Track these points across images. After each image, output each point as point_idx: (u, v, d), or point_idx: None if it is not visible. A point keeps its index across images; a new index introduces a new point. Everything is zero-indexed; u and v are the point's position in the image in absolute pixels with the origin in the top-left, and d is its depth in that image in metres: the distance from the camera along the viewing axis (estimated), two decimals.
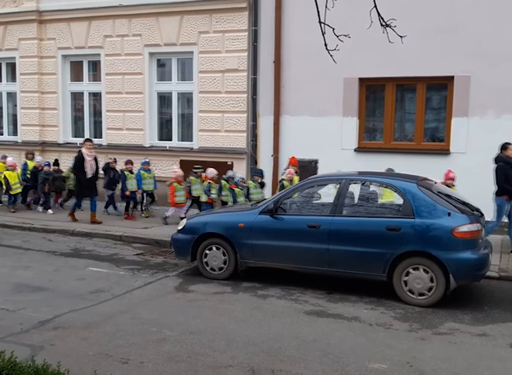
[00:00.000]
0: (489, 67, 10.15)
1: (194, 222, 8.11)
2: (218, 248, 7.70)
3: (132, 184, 11.67)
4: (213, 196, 10.81)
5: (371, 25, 4.39)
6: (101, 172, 11.75)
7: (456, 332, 5.78)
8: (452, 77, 10.52)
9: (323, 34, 4.02)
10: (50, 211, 12.34)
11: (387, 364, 4.91)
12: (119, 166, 12.21)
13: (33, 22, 14.09)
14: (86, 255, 9.09)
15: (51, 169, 12.47)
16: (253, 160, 12.24)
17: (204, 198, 10.82)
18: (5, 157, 12.97)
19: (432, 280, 6.54)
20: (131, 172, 11.76)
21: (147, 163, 11.95)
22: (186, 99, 13.29)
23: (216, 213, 8.44)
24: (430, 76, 10.70)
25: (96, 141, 13.95)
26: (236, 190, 10.62)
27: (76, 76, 14.33)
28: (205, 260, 7.77)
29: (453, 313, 6.35)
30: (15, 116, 15.12)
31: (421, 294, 6.60)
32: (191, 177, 11.14)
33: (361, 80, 11.21)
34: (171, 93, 13.23)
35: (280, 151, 11.96)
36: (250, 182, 10.86)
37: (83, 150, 11.08)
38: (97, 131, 14.17)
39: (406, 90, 11.39)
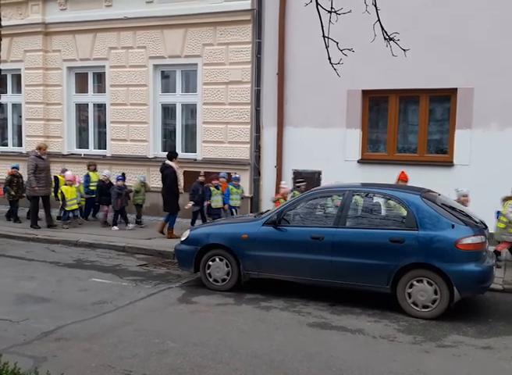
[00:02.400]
0: (493, 79, 10.17)
1: (197, 233, 8.11)
2: (221, 260, 7.69)
3: (217, 201, 11.02)
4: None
5: (374, 38, 4.42)
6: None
7: (460, 345, 5.74)
8: (455, 89, 10.55)
9: (327, 48, 4.05)
10: (130, 225, 11.89)
11: None
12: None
13: (39, 34, 14.21)
14: (89, 265, 9.10)
15: (122, 184, 11.89)
16: (256, 171, 12.26)
17: None
18: (64, 171, 12.51)
19: (435, 293, 6.51)
20: (217, 187, 11.13)
21: (238, 179, 11.42)
22: (190, 111, 13.34)
23: (219, 224, 8.45)
24: (433, 89, 10.73)
25: (100, 152, 14.09)
26: None
27: (81, 87, 14.42)
28: (208, 271, 7.76)
29: (457, 326, 6.32)
30: (20, 127, 15.20)
31: (424, 307, 6.57)
32: (295, 192, 10.18)
33: (364, 92, 11.25)
34: (175, 104, 13.29)
35: (283, 162, 11.97)
36: None
37: (172, 164, 10.84)
38: (102, 142, 14.23)
39: (409, 102, 11.42)
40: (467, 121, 10.50)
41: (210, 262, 7.75)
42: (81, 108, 14.52)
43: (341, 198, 7.28)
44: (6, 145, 15.51)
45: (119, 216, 11.92)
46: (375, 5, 4.05)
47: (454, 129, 10.69)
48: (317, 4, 3.84)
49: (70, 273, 8.52)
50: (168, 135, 13.56)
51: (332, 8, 3.93)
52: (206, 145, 12.69)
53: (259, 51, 12.02)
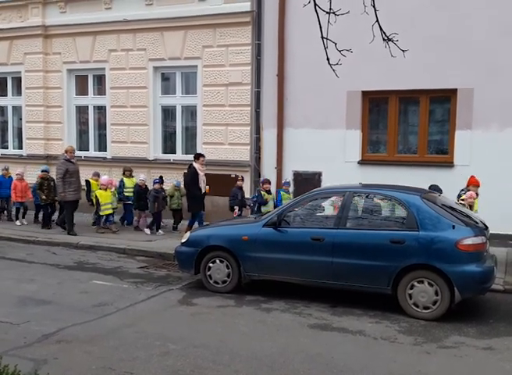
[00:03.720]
0: (493, 80, 10.18)
1: (198, 235, 8.11)
2: (221, 261, 7.68)
3: (269, 206, 10.52)
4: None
5: (373, 39, 4.42)
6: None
7: (461, 345, 5.73)
8: (455, 90, 10.55)
9: (325, 49, 4.04)
10: (161, 232, 11.58)
11: None
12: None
13: (39, 36, 14.23)
14: (90, 268, 9.09)
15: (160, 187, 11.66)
16: (256, 173, 12.26)
17: None
18: (97, 174, 12.29)
19: (436, 294, 6.50)
20: (268, 192, 10.73)
21: (288, 184, 11.04)
22: (190, 112, 13.35)
23: (220, 226, 8.44)
24: (433, 89, 10.73)
25: (100, 154, 14.09)
26: None
27: (81, 90, 14.43)
28: (209, 273, 7.76)
29: (458, 327, 6.30)
30: (20, 130, 15.21)
31: (425, 308, 6.56)
32: None
33: (364, 93, 11.26)
34: (175, 106, 13.30)
35: (284, 163, 11.98)
36: None
37: (196, 165, 10.79)
38: (102, 144, 14.24)
39: (409, 102, 11.42)
40: (467, 122, 10.50)
41: (210, 264, 7.75)
42: (81, 111, 14.54)
43: (341, 199, 7.27)
44: (7, 148, 15.52)
45: (154, 220, 11.63)
46: (374, 6, 4.05)
47: (454, 129, 10.69)
48: (315, 5, 3.84)
49: (71, 276, 8.51)
50: (169, 137, 13.57)
51: (330, 9, 3.93)
52: (206, 147, 12.69)
53: (259, 53, 12.04)
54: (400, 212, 7.00)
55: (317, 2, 3.90)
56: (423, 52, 10.29)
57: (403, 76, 10.60)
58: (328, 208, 7.58)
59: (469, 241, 6.44)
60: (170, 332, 5.98)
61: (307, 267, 7.16)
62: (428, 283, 6.54)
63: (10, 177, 12.93)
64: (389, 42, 4.30)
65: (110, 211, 11.66)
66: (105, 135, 14.02)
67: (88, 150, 14.32)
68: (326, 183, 11.00)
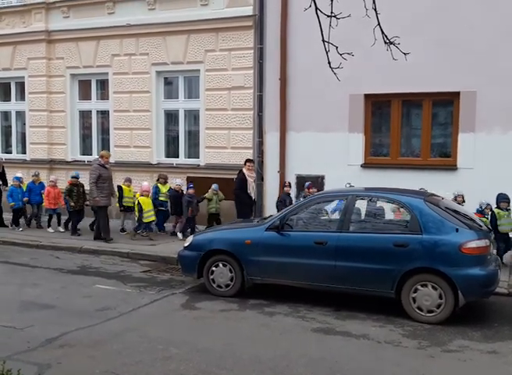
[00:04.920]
0: (495, 83, 10.16)
1: (201, 238, 8.11)
2: (224, 265, 7.68)
3: None
4: None
5: (374, 43, 4.42)
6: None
7: (465, 349, 5.71)
8: (458, 93, 10.53)
9: (327, 53, 4.05)
10: (180, 235, 11.42)
11: None
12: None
13: (42, 42, 14.29)
14: (93, 272, 9.10)
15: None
16: (259, 176, 12.25)
17: None
18: (129, 180, 12.10)
19: (440, 297, 6.48)
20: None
21: (309, 186, 10.81)
22: (193, 116, 13.37)
23: (222, 230, 8.44)
24: (436, 92, 10.71)
25: None
26: (484, 219, 8.83)
27: (85, 94, 14.48)
28: (212, 277, 7.75)
29: (463, 330, 6.28)
30: (23, 135, 15.26)
31: (429, 311, 6.54)
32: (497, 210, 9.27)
33: (367, 96, 11.25)
34: (178, 110, 13.33)
35: (286, 167, 11.97)
36: (499, 210, 9.12)
37: (244, 171, 10.76)
38: (105, 149, 14.20)
39: (412, 106, 11.41)
40: (470, 125, 10.48)
41: (213, 268, 7.74)
42: (85, 115, 14.58)
43: (344, 202, 7.26)
44: (10, 152, 15.57)
45: (187, 225, 11.48)
46: (375, 10, 4.05)
47: (457, 132, 10.67)
48: (316, 9, 3.85)
49: (74, 280, 8.52)
50: (172, 141, 13.59)
51: (331, 12, 3.93)
52: (209, 151, 12.71)
53: (261, 57, 12.05)
54: (403, 215, 6.99)
55: (318, 6, 3.91)
56: (426, 55, 10.28)
57: (406, 79, 10.58)
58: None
59: (473, 244, 6.42)
60: (173, 336, 5.97)
61: (310, 271, 7.14)
62: (432, 287, 6.52)
63: (41, 183, 12.78)
64: (391, 45, 4.30)
65: (153, 218, 11.44)
66: (108, 139, 14.05)
67: (91, 154, 14.33)
68: (329, 186, 10.98)
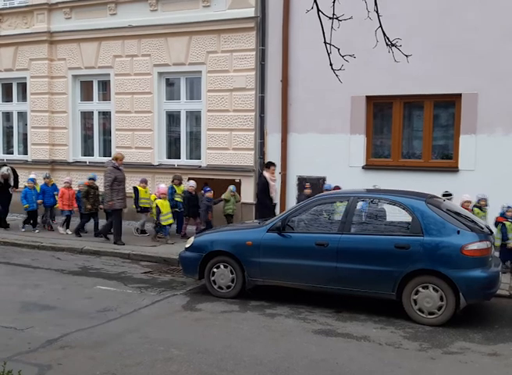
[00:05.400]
0: (497, 84, 10.15)
1: (202, 240, 8.11)
2: (225, 266, 7.68)
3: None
4: None
5: (376, 45, 4.43)
6: None
7: (466, 351, 5.70)
8: (459, 95, 10.53)
9: (328, 54, 4.05)
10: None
11: None
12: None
13: (44, 43, 14.31)
14: (94, 273, 9.10)
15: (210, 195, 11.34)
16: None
17: None
18: (144, 181, 11.98)
19: (441, 299, 6.47)
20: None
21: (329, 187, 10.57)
22: (195, 118, 13.38)
23: (223, 231, 8.43)
24: (437, 94, 10.72)
25: (105, 159, 14.05)
26: (507, 224, 8.91)
27: (86, 95, 14.49)
28: (213, 278, 7.75)
29: (464, 332, 6.27)
30: (25, 135, 15.28)
31: (430, 313, 6.53)
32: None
33: (369, 98, 11.25)
34: (179, 112, 13.33)
35: (288, 168, 11.97)
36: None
37: (266, 174, 10.60)
38: (107, 150, 14.28)
39: (413, 107, 11.41)
40: (471, 126, 10.47)
41: (214, 269, 7.74)
42: (86, 116, 14.59)
43: (345, 204, 7.25)
44: (12, 153, 15.59)
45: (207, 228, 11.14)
46: (377, 12, 4.05)
47: (459, 134, 10.66)
48: (318, 10, 3.85)
49: (75, 281, 8.52)
50: (173, 142, 13.60)
51: (333, 14, 3.93)
52: (210, 152, 12.72)
53: (263, 58, 12.06)
54: (405, 217, 6.98)
55: (320, 8, 3.91)
56: (427, 57, 10.28)
57: (408, 81, 10.59)
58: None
59: (474, 246, 6.42)
60: (174, 337, 5.97)
61: (311, 272, 7.14)
62: (433, 289, 6.51)
63: (53, 185, 12.64)
64: (393, 47, 4.30)
65: (171, 220, 11.24)
66: (110, 140, 14.06)
67: (93, 155, 14.37)
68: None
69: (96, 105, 14.35)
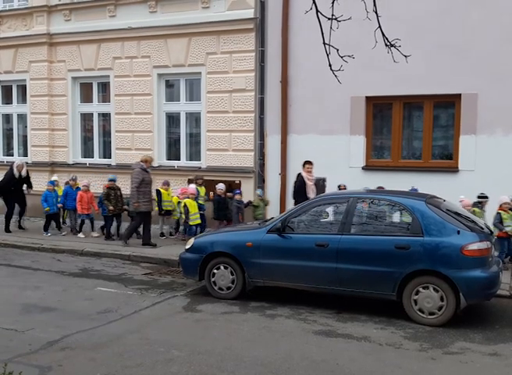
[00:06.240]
0: (497, 85, 10.16)
1: (202, 241, 8.11)
2: (225, 268, 7.67)
3: None
4: (508, 228, 8.99)
5: (375, 45, 4.43)
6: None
7: (467, 351, 5.70)
8: (459, 95, 10.53)
9: (327, 55, 4.06)
10: None
11: None
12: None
13: (44, 45, 14.33)
14: (94, 274, 9.10)
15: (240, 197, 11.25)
16: (260, 179, 12.27)
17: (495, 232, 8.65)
18: (167, 183, 11.87)
19: (442, 299, 6.47)
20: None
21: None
22: (195, 119, 13.39)
23: (224, 232, 8.44)
24: (437, 94, 10.72)
25: (105, 161, 14.13)
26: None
27: (86, 97, 14.50)
28: (213, 279, 7.75)
29: (464, 332, 6.27)
30: (25, 137, 15.29)
31: (431, 314, 6.53)
32: (474, 209, 9.23)
33: (368, 99, 11.26)
34: (179, 113, 13.34)
35: (288, 169, 11.97)
36: None
37: (303, 173, 10.34)
38: (107, 151, 14.30)
39: (413, 108, 11.41)
40: (471, 127, 10.48)
41: (215, 270, 7.74)
42: (86, 118, 14.60)
43: (345, 204, 7.25)
44: (12, 155, 15.60)
45: None
46: (376, 12, 4.06)
47: (459, 135, 10.67)
48: (317, 11, 3.86)
49: (76, 282, 8.52)
50: (173, 143, 13.61)
51: (332, 15, 3.94)
52: (210, 153, 12.73)
53: (262, 60, 12.08)
54: (405, 217, 6.98)
55: (319, 9, 3.92)
56: (427, 58, 10.30)
57: (407, 81, 10.59)
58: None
59: (474, 247, 6.41)
60: (175, 339, 5.97)
61: (311, 273, 7.14)
62: (434, 289, 6.51)
63: (78, 188, 12.31)
64: (392, 48, 4.31)
65: (199, 221, 11.02)
66: (110, 142, 14.07)
67: (93, 157, 14.38)
68: (330, 189, 10.97)
69: (96, 107, 14.36)
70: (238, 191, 11.42)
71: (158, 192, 11.73)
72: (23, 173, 12.60)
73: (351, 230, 7.06)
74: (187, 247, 8.10)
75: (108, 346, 5.74)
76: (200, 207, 11.43)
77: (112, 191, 11.57)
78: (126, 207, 11.61)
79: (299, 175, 10.49)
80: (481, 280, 6.42)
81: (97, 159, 14.32)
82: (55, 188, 12.42)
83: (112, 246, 10.90)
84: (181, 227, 11.71)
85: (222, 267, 7.70)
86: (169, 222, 12.08)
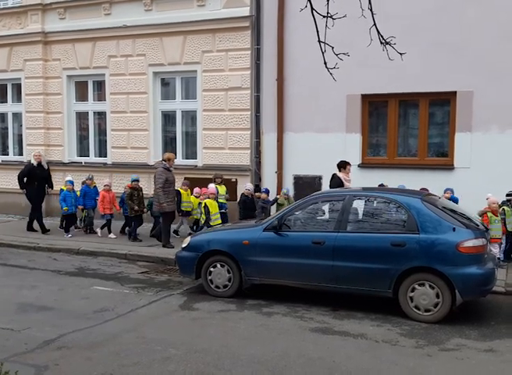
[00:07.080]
0: (492, 82, 10.18)
1: (198, 239, 8.11)
2: (222, 266, 7.68)
3: None
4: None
5: (370, 43, 4.44)
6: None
7: (462, 348, 5.72)
8: (455, 93, 10.55)
9: (323, 53, 4.06)
10: None
11: None
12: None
13: (39, 43, 14.26)
14: (91, 273, 9.09)
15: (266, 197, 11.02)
16: (257, 177, 12.27)
17: None
18: (186, 184, 11.67)
19: (437, 296, 6.50)
20: None
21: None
22: (190, 117, 13.37)
23: (220, 230, 8.45)
24: (433, 92, 10.73)
25: (100, 160, 14.10)
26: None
27: (81, 96, 14.46)
28: (210, 278, 7.75)
29: (460, 329, 6.29)
30: (20, 136, 15.23)
31: (427, 310, 6.55)
32: (504, 207, 9.25)
33: (364, 97, 11.27)
34: (175, 111, 13.32)
35: (284, 167, 11.98)
36: None
37: (340, 174, 9.84)
38: (102, 150, 14.26)
39: (409, 105, 11.43)
40: (467, 124, 10.50)
41: (211, 269, 7.74)
42: (81, 117, 14.56)
43: (341, 202, 7.26)
44: (7, 154, 15.55)
45: None
46: (371, 10, 4.06)
47: (454, 132, 10.70)
48: (312, 9, 3.86)
49: (72, 282, 8.51)
50: (169, 142, 13.58)
51: (328, 13, 3.94)
52: (206, 151, 12.72)
53: (258, 58, 12.06)
54: (401, 214, 7.00)
55: (314, 6, 3.91)
56: (422, 55, 10.31)
57: (403, 79, 10.60)
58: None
59: (470, 243, 6.44)
60: (171, 337, 5.97)
61: (307, 271, 7.15)
62: (429, 286, 6.53)
63: (95, 187, 12.28)
64: (387, 45, 4.31)
65: (219, 221, 10.60)
66: (106, 141, 14.04)
67: (88, 156, 14.34)
68: (326, 187, 10.96)
69: (91, 106, 14.32)
70: (264, 190, 11.30)
71: (178, 192, 11.46)
72: (43, 163, 12.54)
73: (347, 228, 7.08)
74: (184, 245, 8.10)
75: (105, 345, 5.73)
76: (222, 206, 11.14)
77: (135, 192, 11.39)
78: (144, 210, 11.45)
79: (334, 176, 9.96)
80: (476, 277, 6.45)
81: (92, 158, 14.28)
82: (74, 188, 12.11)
83: (108, 245, 10.88)
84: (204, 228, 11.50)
85: (218, 265, 7.70)
86: (188, 222, 11.89)
